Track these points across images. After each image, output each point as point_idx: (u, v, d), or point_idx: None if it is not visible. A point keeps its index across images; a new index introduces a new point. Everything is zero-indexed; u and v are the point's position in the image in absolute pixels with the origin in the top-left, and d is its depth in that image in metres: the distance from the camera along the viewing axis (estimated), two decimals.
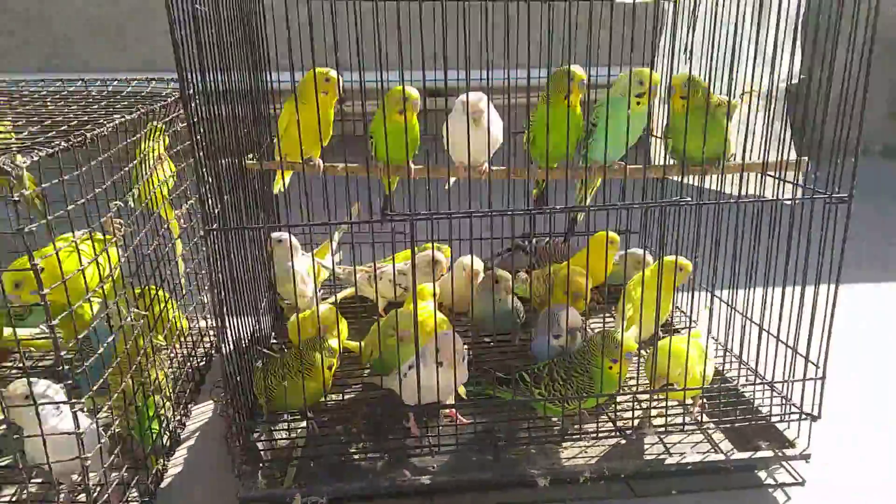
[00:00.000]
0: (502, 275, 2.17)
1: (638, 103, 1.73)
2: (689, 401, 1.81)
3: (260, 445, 1.72)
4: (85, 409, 1.45)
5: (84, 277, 1.41)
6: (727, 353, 2.04)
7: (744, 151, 1.88)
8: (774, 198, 1.62)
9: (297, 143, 1.79)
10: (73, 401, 1.35)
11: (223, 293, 1.54)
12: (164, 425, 1.80)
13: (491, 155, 1.85)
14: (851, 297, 2.83)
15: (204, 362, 2.31)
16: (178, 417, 1.96)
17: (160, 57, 4.64)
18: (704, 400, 1.85)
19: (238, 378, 1.67)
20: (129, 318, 1.60)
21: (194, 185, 1.57)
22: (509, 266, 2.50)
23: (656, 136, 2.19)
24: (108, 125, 1.58)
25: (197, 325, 2.36)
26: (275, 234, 2.23)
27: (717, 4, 1.89)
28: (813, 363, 1.70)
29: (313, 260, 2.27)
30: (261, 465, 1.65)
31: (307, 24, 1.50)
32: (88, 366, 1.39)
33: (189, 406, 2.05)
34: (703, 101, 1.68)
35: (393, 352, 1.75)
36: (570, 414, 1.75)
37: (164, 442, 1.81)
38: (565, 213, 1.70)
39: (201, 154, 1.46)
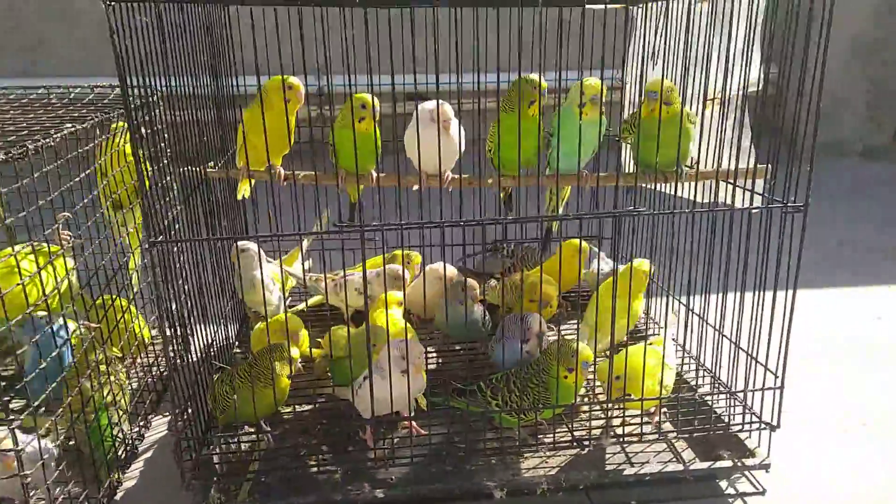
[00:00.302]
0: (471, 283, 2.15)
1: (585, 114, 1.71)
2: (649, 410, 1.80)
3: (215, 458, 1.70)
4: (23, 427, 1.42)
5: (24, 292, 1.39)
6: (692, 361, 2.03)
7: (704, 159, 1.87)
8: (728, 207, 1.61)
9: (257, 151, 1.77)
10: (12, 418, 1.33)
11: (170, 306, 1.51)
12: (117, 438, 1.77)
13: (452, 163, 1.83)
14: (824, 301, 2.83)
15: (168, 372, 2.28)
16: (137, 429, 1.93)
17: None
18: (665, 409, 1.84)
19: (190, 391, 1.65)
20: (77, 332, 1.58)
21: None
22: (481, 269, 2.49)
23: (628, 143, 2.18)
24: (55, 135, 1.56)
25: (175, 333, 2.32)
26: (240, 243, 2.20)
27: (681, 13, 1.87)
28: (772, 372, 1.69)
29: (281, 268, 2.25)
30: (215, 478, 1.63)
31: (274, 30, 1.47)
32: (28, 382, 1.36)
33: (149, 417, 2.03)
34: (677, 110, 1.69)
35: (346, 366, 1.73)
36: (528, 425, 1.73)
37: (120, 455, 1.78)
38: (538, 221, 1.70)
39: (146, 163, 1.43)
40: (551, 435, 1.78)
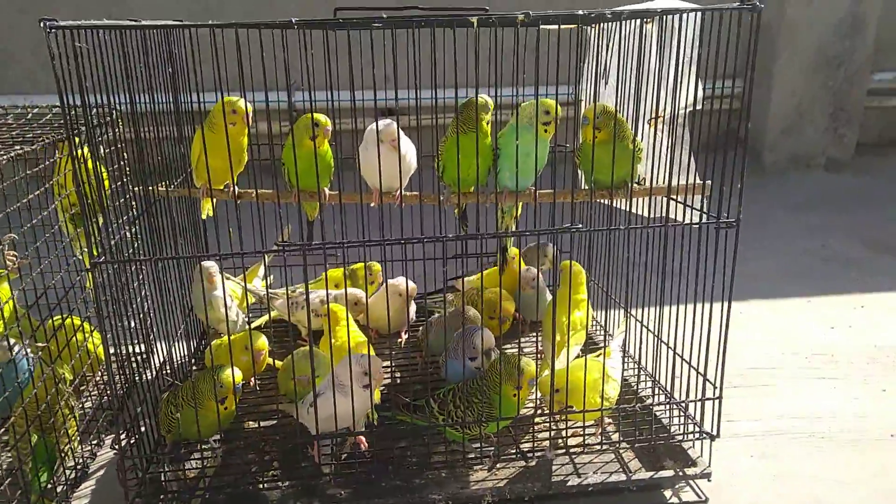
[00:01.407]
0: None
1: (545, 131, 1.76)
2: (590, 422, 1.83)
3: (162, 477, 1.71)
4: None
5: None
6: (639, 370, 2.07)
7: (650, 175, 1.92)
8: (663, 224, 1.65)
9: (209, 171, 1.80)
10: None
11: (115, 325, 1.53)
12: (66, 461, 1.77)
13: (405, 181, 1.87)
14: (780, 311, 2.89)
15: (123, 391, 2.28)
16: (89, 448, 1.94)
17: None
18: (608, 420, 1.88)
19: (139, 408, 1.66)
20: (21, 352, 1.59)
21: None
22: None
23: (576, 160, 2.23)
24: (1, 158, 1.58)
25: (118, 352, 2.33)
26: (205, 263, 2.20)
27: (629, 33, 1.92)
28: (710, 382, 1.73)
29: (245, 283, 2.27)
30: (161, 496, 1.64)
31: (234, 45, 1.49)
32: None
33: (102, 436, 2.03)
34: (612, 132, 1.73)
35: (303, 390, 1.76)
36: (475, 438, 1.76)
37: (69, 476, 1.78)
38: (497, 239, 1.74)
39: (86, 185, 1.45)
40: (494, 447, 1.80)
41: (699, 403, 1.76)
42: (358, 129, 1.89)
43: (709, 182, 1.77)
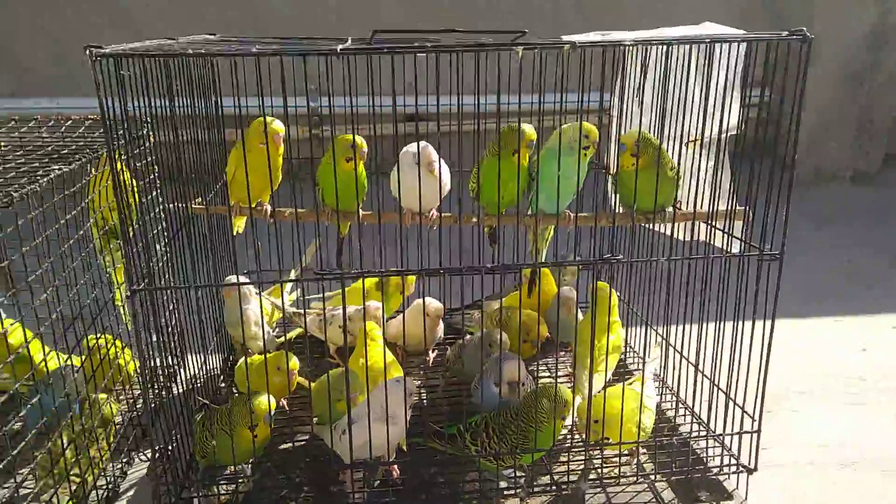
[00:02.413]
0: (495, 339, 2.10)
1: (585, 155, 1.74)
2: (625, 452, 1.81)
3: (195, 502, 1.70)
4: None
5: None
6: (673, 397, 2.04)
7: (686, 199, 1.90)
8: (705, 256, 1.63)
9: (245, 189, 1.79)
10: None
11: (151, 349, 1.52)
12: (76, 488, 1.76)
13: (440, 202, 1.86)
14: (810, 332, 2.85)
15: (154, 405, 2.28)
16: (120, 466, 1.93)
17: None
18: (643, 450, 1.85)
19: (171, 431, 1.66)
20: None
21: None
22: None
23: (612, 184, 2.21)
24: (41, 180, 1.58)
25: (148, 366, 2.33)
26: (228, 279, 2.21)
27: (661, 55, 1.90)
28: (748, 415, 1.71)
29: (261, 300, 2.25)
30: None
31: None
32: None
33: (133, 454, 2.02)
34: (654, 158, 1.71)
35: (339, 412, 1.74)
36: (508, 467, 1.74)
37: (100, 497, 1.78)
38: (514, 270, 1.73)
39: (126, 208, 1.45)
40: (530, 477, 1.79)
41: (736, 435, 1.74)
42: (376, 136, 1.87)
43: (746, 209, 1.74)
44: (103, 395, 1.83)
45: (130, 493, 1.89)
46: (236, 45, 1.86)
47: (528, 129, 1.75)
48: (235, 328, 2.28)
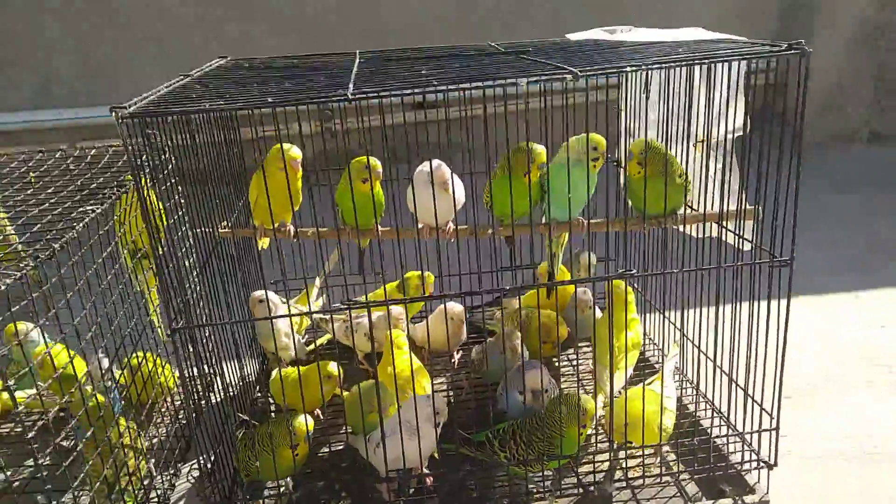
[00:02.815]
0: (513, 345, 2.15)
1: (594, 167, 1.79)
2: (648, 451, 1.88)
3: None
4: None
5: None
6: (694, 390, 2.10)
7: (697, 200, 1.93)
8: (717, 266, 1.67)
9: (268, 212, 1.87)
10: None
11: (195, 391, 1.61)
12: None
13: (455, 215, 1.92)
14: (828, 308, 2.87)
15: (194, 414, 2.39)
16: (168, 478, 2.05)
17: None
18: (667, 448, 1.92)
19: (214, 449, 1.76)
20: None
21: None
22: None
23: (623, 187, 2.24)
24: (77, 226, 1.66)
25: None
26: (255, 294, 2.30)
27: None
28: (767, 412, 1.77)
29: (289, 308, 2.34)
30: None
31: None
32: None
33: (179, 465, 2.14)
34: (661, 166, 1.75)
35: (371, 423, 1.83)
36: (537, 472, 1.82)
37: None
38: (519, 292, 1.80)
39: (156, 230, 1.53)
40: (558, 480, 1.87)
41: (756, 433, 1.80)
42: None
43: (756, 207, 1.77)
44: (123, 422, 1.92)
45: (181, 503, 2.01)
46: (250, 74, 1.93)
47: (538, 150, 1.79)
48: (267, 341, 2.38)
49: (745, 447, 1.84)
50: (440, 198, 1.82)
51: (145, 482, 1.89)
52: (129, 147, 1.42)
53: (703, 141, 1.92)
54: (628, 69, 1.41)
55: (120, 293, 1.95)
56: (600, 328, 2.08)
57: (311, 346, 2.55)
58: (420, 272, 2.46)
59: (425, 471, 1.81)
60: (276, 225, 2.01)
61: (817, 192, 4.15)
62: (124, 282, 1.98)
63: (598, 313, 2.31)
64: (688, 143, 1.90)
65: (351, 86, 1.44)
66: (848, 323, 2.78)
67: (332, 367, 2.10)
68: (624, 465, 1.85)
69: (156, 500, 1.94)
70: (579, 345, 2.41)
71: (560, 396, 1.75)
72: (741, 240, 1.77)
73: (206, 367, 1.78)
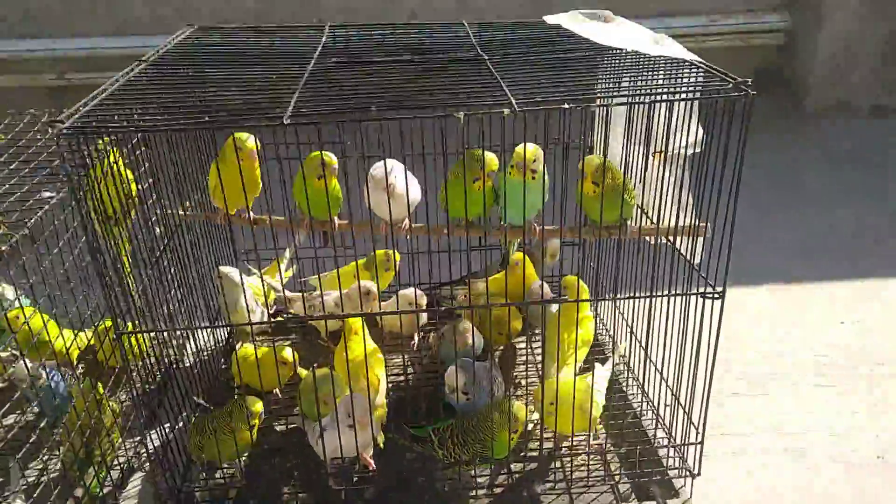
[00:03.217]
0: (463, 328, 2.20)
1: (533, 178, 1.79)
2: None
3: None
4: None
5: None
6: (642, 395, 2.17)
7: (651, 212, 1.94)
8: (649, 294, 1.70)
9: (226, 199, 1.90)
10: None
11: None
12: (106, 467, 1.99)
13: (411, 212, 1.95)
14: (793, 297, 2.89)
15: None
16: (134, 445, 2.15)
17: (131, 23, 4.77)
18: (599, 441, 2.01)
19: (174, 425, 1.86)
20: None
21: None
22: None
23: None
24: (34, 217, 1.71)
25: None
26: (222, 269, 2.35)
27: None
28: (695, 426, 1.83)
29: (262, 280, 2.39)
30: None
31: None
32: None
33: (146, 432, 2.23)
34: (612, 183, 1.77)
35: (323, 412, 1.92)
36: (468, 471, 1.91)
37: (114, 479, 2.02)
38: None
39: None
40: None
41: (683, 437, 1.88)
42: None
43: (707, 224, 1.79)
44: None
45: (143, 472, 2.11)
46: (207, 60, 1.92)
47: (488, 159, 1.79)
48: (233, 314, 2.45)
49: (674, 454, 1.91)
50: (391, 200, 1.85)
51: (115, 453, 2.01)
52: (68, 158, 1.44)
53: (660, 152, 1.91)
54: (566, 107, 1.40)
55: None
56: (551, 324, 2.13)
57: (280, 318, 2.62)
58: (385, 251, 2.51)
59: (368, 459, 1.91)
60: (233, 212, 2.05)
61: (810, 164, 4.09)
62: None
63: (554, 308, 2.35)
64: (646, 153, 1.90)
65: (292, 104, 1.45)
66: (809, 314, 2.81)
67: (288, 353, 2.18)
68: (560, 463, 1.94)
69: (118, 467, 2.06)
70: (537, 336, 2.47)
71: (493, 403, 1.82)
72: (686, 256, 1.80)
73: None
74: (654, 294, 1.69)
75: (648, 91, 1.49)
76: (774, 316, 2.80)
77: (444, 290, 2.70)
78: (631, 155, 1.92)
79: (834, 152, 4.24)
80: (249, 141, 1.95)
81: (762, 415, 2.29)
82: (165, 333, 2.08)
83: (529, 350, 2.46)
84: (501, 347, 2.47)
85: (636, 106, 1.74)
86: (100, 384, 2.02)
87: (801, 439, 2.18)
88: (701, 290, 1.66)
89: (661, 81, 1.66)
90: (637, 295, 1.74)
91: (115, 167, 1.81)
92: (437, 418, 1.98)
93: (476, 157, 1.80)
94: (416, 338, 2.49)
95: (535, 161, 1.77)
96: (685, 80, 1.58)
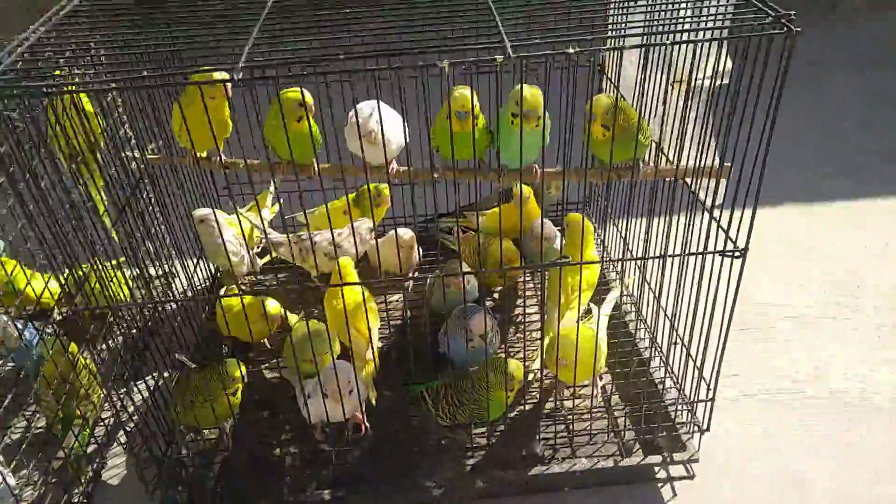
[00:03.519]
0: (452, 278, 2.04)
1: (512, 123, 1.59)
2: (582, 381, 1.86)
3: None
4: None
5: None
6: (651, 346, 2.05)
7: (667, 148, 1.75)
8: (661, 255, 1.53)
9: (192, 142, 1.71)
10: None
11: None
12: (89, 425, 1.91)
13: (394, 156, 1.76)
14: (812, 222, 2.71)
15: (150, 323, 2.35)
16: (119, 401, 2.07)
17: None
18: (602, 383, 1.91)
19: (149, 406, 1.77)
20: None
21: None
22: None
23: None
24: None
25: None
26: (197, 213, 2.18)
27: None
28: (706, 382, 1.72)
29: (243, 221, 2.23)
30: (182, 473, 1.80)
31: None
32: None
33: (132, 383, 2.14)
34: (625, 125, 1.59)
35: (307, 370, 1.82)
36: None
37: (98, 438, 1.95)
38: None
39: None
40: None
41: (694, 393, 1.77)
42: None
43: (729, 165, 1.60)
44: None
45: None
46: None
47: (459, 96, 1.58)
48: (215, 258, 2.31)
49: (684, 408, 1.82)
50: (373, 147, 1.67)
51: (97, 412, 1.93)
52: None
53: (681, 81, 1.69)
54: (570, 51, 1.18)
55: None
56: (552, 268, 1.98)
57: (266, 258, 2.48)
58: (375, 184, 2.34)
59: (360, 418, 1.82)
60: (203, 155, 1.87)
61: (835, 68, 3.80)
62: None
63: (558, 245, 2.20)
64: (666, 82, 1.68)
65: (245, 53, 1.23)
66: (830, 240, 2.63)
67: (272, 305, 2.05)
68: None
69: (103, 426, 1.99)
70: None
71: (489, 361, 1.71)
72: (704, 203, 1.62)
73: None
74: (668, 255, 1.53)
75: (668, 28, 1.25)
76: (794, 240, 2.62)
77: (442, 223, 2.53)
78: (647, 82, 1.70)
79: (862, 57, 3.89)
80: (216, 75, 1.73)
81: (770, 357, 2.17)
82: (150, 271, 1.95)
83: (531, 292, 2.32)
84: (499, 289, 2.34)
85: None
86: (73, 344, 1.90)
87: (809, 386, 2.06)
88: (721, 247, 1.49)
89: (683, 9, 1.42)
90: (649, 256, 1.58)
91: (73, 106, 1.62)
92: (430, 380, 1.86)
93: (455, 97, 1.59)
94: (412, 276, 2.35)
95: (534, 108, 1.56)
96: (712, 7, 1.34)
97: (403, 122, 1.72)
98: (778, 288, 2.43)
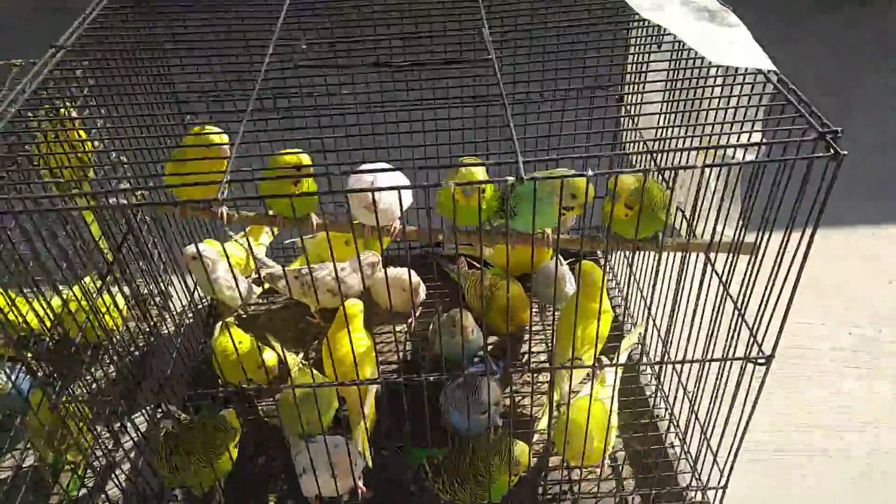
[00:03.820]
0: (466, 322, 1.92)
1: (563, 214, 1.48)
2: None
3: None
4: None
5: None
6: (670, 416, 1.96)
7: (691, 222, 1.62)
8: (682, 360, 1.43)
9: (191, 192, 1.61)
10: None
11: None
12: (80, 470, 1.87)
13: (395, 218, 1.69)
14: (839, 248, 2.58)
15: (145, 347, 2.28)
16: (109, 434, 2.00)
17: None
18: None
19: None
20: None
21: None
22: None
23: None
24: None
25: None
26: (187, 251, 2.08)
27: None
28: (718, 468, 1.64)
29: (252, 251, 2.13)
30: None
31: None
32: None
33: (125, 418, 2.07)
34: (649, 205, 1.48)
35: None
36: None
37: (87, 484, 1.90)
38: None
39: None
40: None
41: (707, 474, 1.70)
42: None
43: (756, 242, 1.48)
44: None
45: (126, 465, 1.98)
46: None
47: (465, 173, 1.48)
48: (206, 291, 2.22)
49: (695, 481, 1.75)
50: (371, 216, 1.58)
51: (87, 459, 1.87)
52: None
53: (707, 149, 1.56)
54: (589, 174, 1.06)
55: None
56: (563, 319, 1.88)
57: (261, 289, 2.39)
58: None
59: (358, 483, 1.76)
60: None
61: (866, 66, 3.59)
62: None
63: (571, 289, 2.09)
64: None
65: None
66: (856, 276, 2.51)
67: (269, 355, 1.97)
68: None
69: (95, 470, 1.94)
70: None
71: (492, 442, 1.63)
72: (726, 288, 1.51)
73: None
74: (689, 360, 1.43)
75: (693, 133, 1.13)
76: (819, 267, 2.50)
77: (444, 249, 2.42)
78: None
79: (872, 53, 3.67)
80: (216, 137, 1.62)
81: (789, 403, 2.08)
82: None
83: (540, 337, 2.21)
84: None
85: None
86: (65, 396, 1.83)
87: (824, 440, 1.99)
88: (744, 351, 1.39)
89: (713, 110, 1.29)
90: (667, 360, 1.47)
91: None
92: (433, 450, 1.78)
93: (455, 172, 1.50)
94: (415, 316, 2.26)
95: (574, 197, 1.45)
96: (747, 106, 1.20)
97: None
98: (800, 317, 2.31)
